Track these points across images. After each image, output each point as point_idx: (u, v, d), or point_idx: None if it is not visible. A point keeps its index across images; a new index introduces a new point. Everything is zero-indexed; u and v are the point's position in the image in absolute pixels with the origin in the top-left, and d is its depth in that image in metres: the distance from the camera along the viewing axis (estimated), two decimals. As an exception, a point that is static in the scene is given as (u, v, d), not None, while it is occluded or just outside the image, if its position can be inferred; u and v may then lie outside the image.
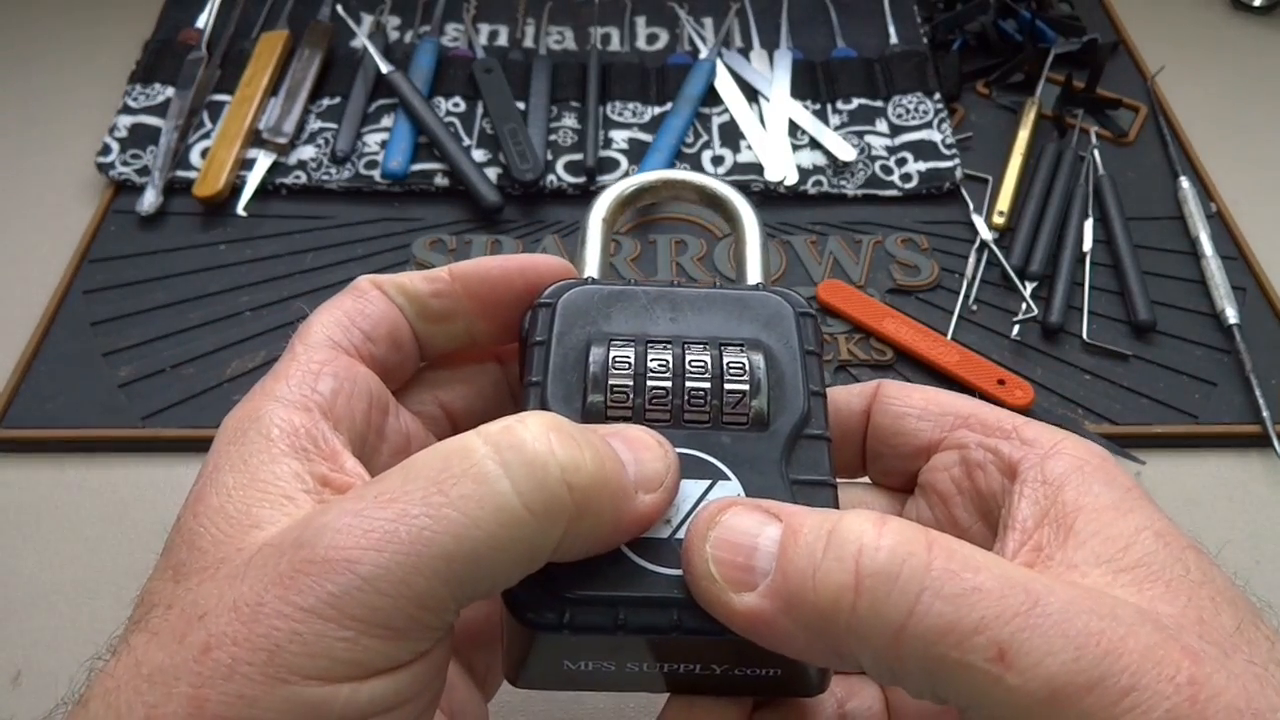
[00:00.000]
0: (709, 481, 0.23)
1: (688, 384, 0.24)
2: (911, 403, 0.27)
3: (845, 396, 0.28)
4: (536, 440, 0.20)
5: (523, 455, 0.19)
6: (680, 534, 0.22)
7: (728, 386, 0.24)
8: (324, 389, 0.24)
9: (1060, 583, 0.19)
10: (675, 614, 0.21)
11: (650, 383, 0.24)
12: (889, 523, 0.20)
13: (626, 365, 0.24)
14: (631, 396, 0.24)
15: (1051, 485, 0.23)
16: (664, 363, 0.24)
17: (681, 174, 0.33)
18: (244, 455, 0.22)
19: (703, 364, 0.24)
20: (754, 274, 0.30)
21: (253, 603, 0.18)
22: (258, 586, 0.19)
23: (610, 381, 0.24)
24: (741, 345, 0.25)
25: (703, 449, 0.23)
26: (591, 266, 0.30)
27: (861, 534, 0.19)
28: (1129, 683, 0.18)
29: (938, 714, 0.26)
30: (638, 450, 0.22)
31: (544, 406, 0.24)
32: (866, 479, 0.29)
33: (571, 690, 0.24)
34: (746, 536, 0.20)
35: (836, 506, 0.23)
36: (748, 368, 0.24)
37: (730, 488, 0.23)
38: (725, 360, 0.24)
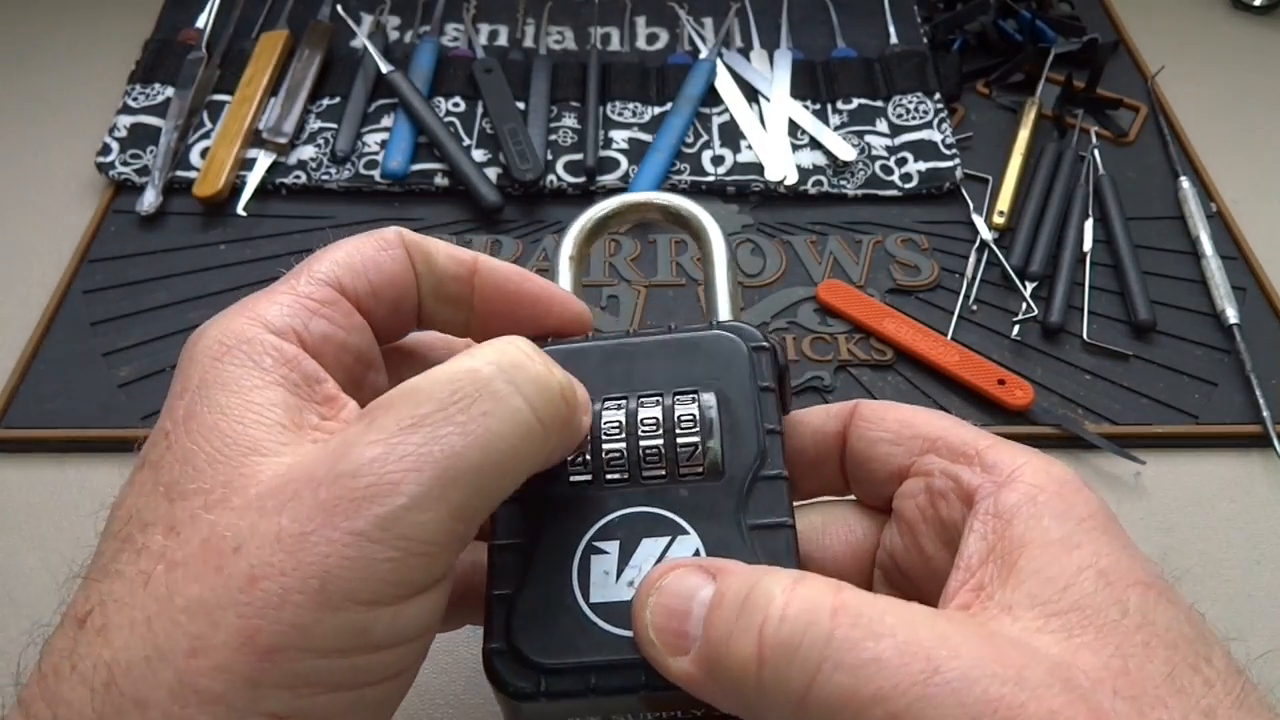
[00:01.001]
0: (668, 538, 0.24)
1: (641, 443, 0.25)
2: (885, 427, 0.27)
3: (822, 418, 0.28)
4: (534, 362, 0.22)
5: (528, 374, 0.22)
6: None
7: (679, 441, 0.25)
8: (316, 329, 0.24)
9: (973, 639, 0.19)
10: (642, 675, 0.22)
11: (605, 445, 0.25)
12: (799, 586, 0.20)
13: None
14: (589, 461, 0.25)
15: (1002, 519, 0.22)
16: (617, 424, 0.25)
17: (644, 196, 0.33)
18: (235, 376, 0.22)
19: (654, 420, 0.25)
20: (722, 295, 0.30)
21: (297, 533, 0.19)
22: (300, 517, 0.19)
23: None
24: (694, 393, 0.26)
25: (662, 506, 0.24)
26: None
27: (769, 601, 0.20)
28: None
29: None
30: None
31: None
32: (853, 497, 0.29)
33: None
34: (683, 601, 0.21)
35: (793, 546, 0.24)
36: (698, 418, 0.25)
37: (689, 542, 0.24)
38: (677, 413, 0.25)
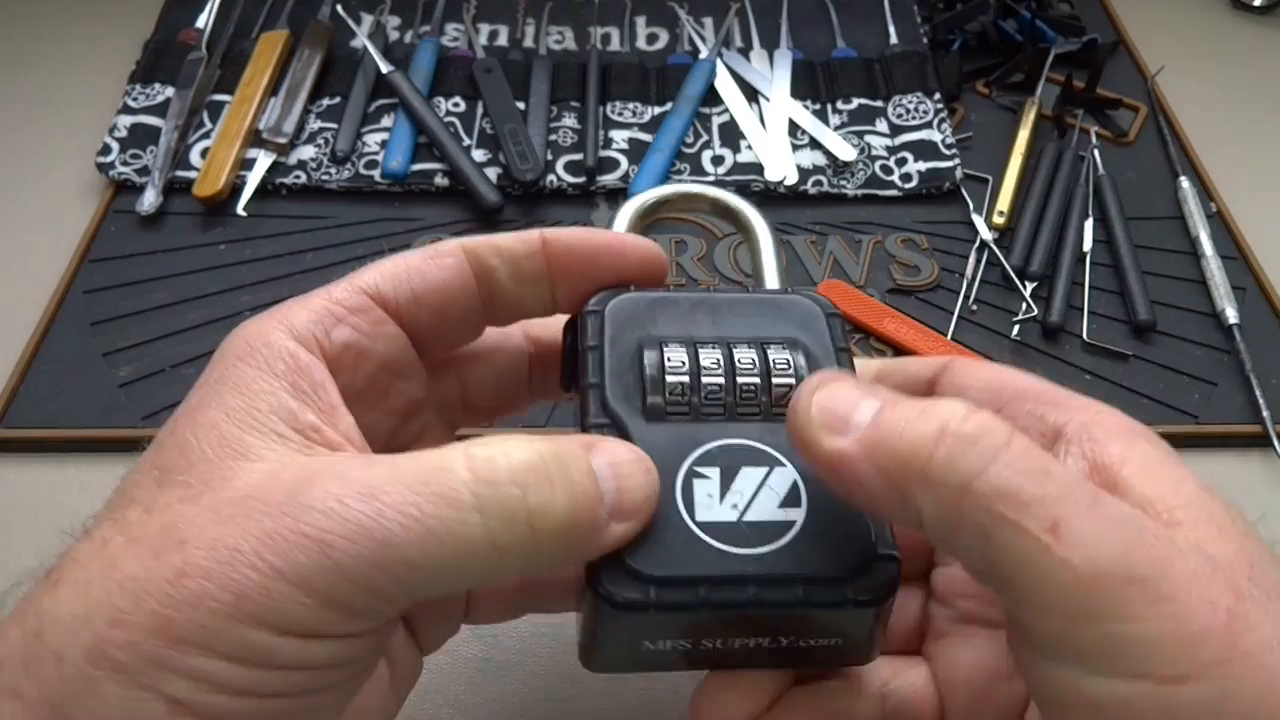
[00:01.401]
0: (766, 468, 0.25)
1: (738, 380, 0.26)
2: (977, 378, 0.27)
3: (917, 366, 0.29)
4: (513, 480, 0.21)
5: (496, 493, 0.21)
6: (747, 517, 0.24)
7: (775, 380, 0.26)
8: (338, 337, 0.25)
9: (1129, 507, 0.20)
10: (752, 590, 0.23)
11: (704, 379, 0.26)
12: (981, 410, 0.21)
13: (681, 365, 0.26)
14: (688, 394, 0.25)
15: (1098, 442, 0.23)
16: (715, 361, 0.26)
17: (698, 187, 0.34)
18: (248, 379, 0.23)
19: (750, 360, 0.26)
20: (771, 280, 0.31)
21: (231, 547, 0.20)
22: (239, 533, 0.20)
23: (667, 380, 0.25)
24: (783, 343, 0.27)
25: (758, 439, 0.25)
26: None
27: (954, 410, 0.21)
28: (1169, 591, 0.19)
29: (987, 680, 0.26)
30: (624, 479, 0.23)
31: (604, 406, 0.25)
32: None
33: (642, 672, 0.26)
34: (848, 402, 0.22)
35: None
36: (791, 363, 0.26)
37: (786, 474, 0.24)
38: (770, 357, 0.26)
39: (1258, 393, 0.47)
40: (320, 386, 0.24)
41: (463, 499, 0.21)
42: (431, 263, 0.26)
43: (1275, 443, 0.46)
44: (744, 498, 0.24)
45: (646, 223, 0.33)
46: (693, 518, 0.24)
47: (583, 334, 0.27)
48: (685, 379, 0.26)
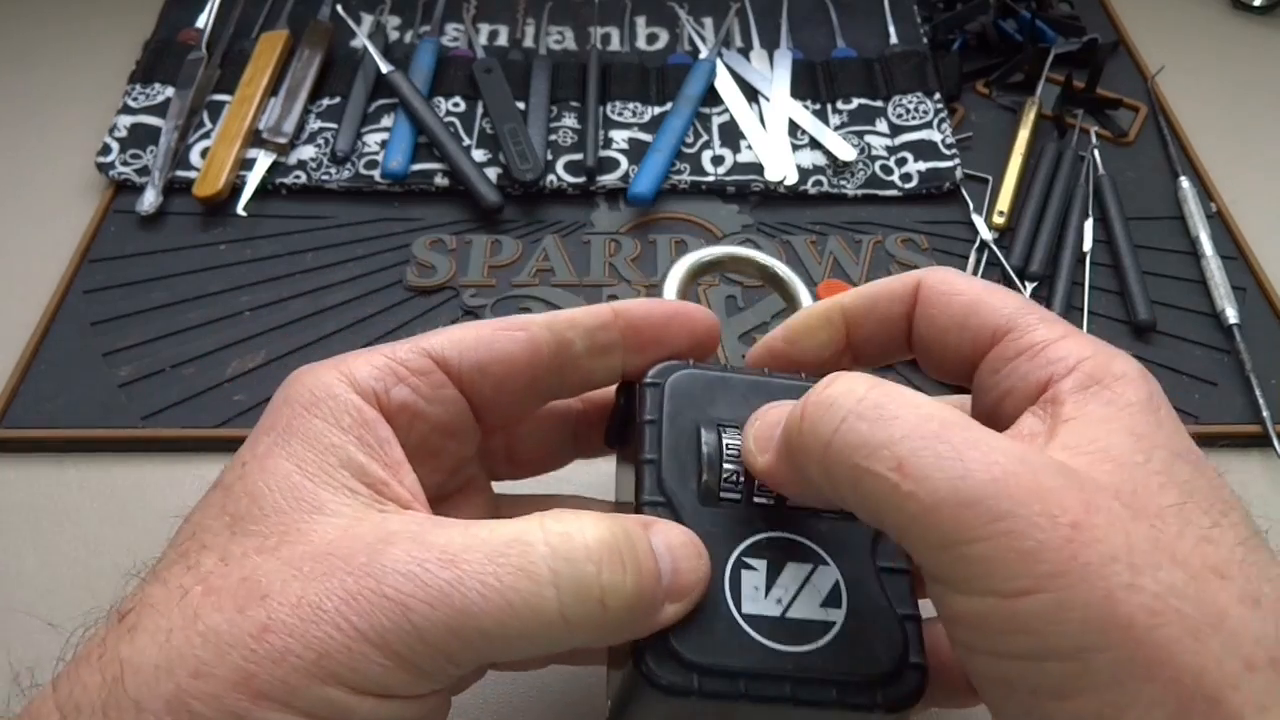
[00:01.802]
0: (811, 566, 0.25)
1: None
2: (951, 314, 0.27)
3: (887, 303, 0.28)
4: (589, 558, 0.22)
5: (573, 570, 0.22)
6: (790, 614, 0.24)
7: None
8: (397, 396, 0.25)
9: (994, 434, 0.21)
10: (789, 688, 0.24)
11: None
12: (848, 373, 0.23)
13: (737, 452, 0.26)
14: (741, 482, 0.26)
15: (1054, 402, 0.23)
16: None
17: (748, 251, 0.35)
18: (316, 431, 0.24)
19: None
20: None
21: (314, 604, 0.20)
22: (322, 593, 0.21)
23: (724, 466, 0.26)
24: None
25: (805, 535, 0.26)
26: None
27: (819, 384, 0.23)
28: (1006, 508, 0.19)
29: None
30: (679, 560, 0.24)
31: (660, 484, 0.26)
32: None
33: None
34: (770, 423, 0.25)
35: (913, 592, 0.26)
36: None
37: (829, 574, 0.25)
38: None
39: (1258, 393, 0.47)
40: (386, 442, 0.24)
41: (540, 573, 0.21)
42: (502, 334, 0.27)
43: (1275, 443, 0.46)
44: (788, 593, 0.25)
45: (695, 282, 0.34)
46: (739, 609, 0.24)
47: (642, 406, 0.27)
48: (741, 467, 0.26)
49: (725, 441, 0.27)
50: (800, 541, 0.26)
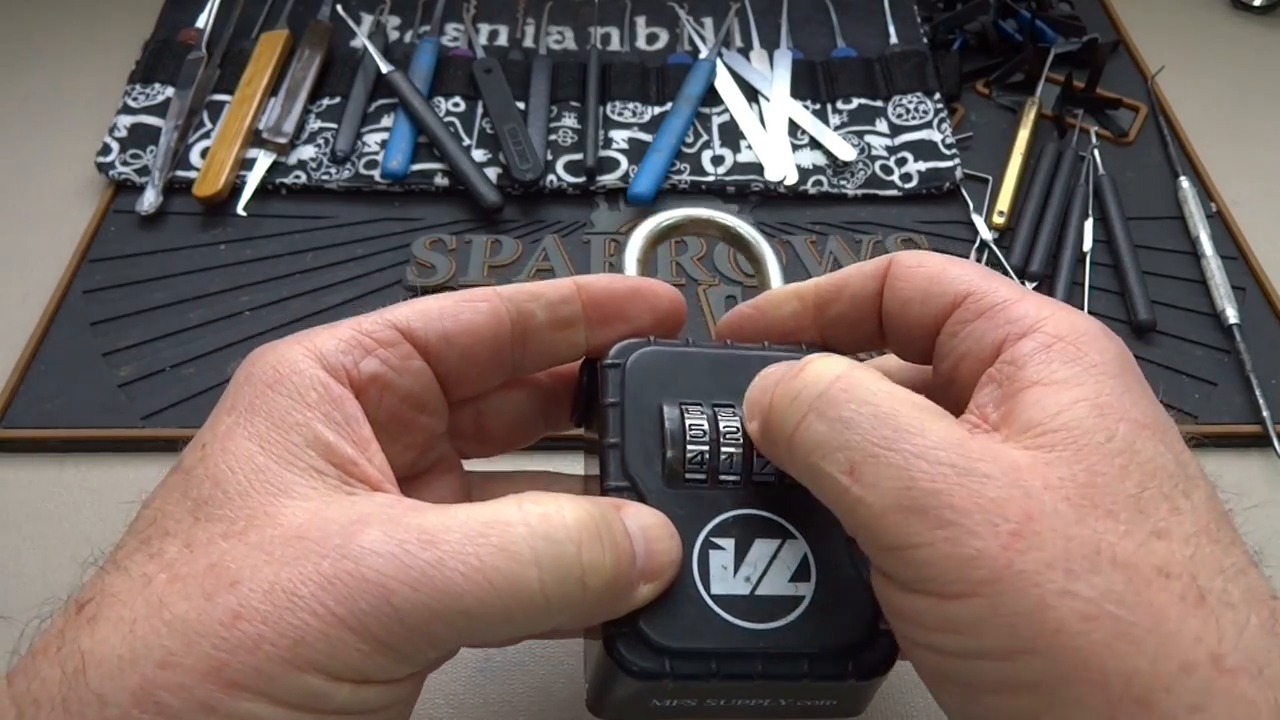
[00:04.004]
0: (779, 540, 0.25)
1: (755, 450, 0.26)
2: (915, 285, 0.27)
3: (860, 281, 0.28)
4: (569, 538, 0.22)
5: (554, 549, 0.22)
6: (759, 591, 0.25)
7: None
8: (366, 368, 0.25)
9: (948, 432, 0.21)
10: (760, 665, 0.24)
11: (723, 449, 0.26)
12: (822, 357, 0.24)
13: (701, 431, 0.26)
14: (707, 460, 0.26)
15: (1015, 365, 0.23)
16: (735, 428, 0.26)
17: (707, 212, 0.34)
18: (281, 408, 0.23)
19: None
20: None
21: (289, 591, 0.20)
22: (296, 578, 0.20)
23: (688, 446, 0.26)
24: None
25: (772, 510, 0.26)
26: None
27: (789, 366, 0.24)
28: (949, 518, 0.20)
29: None
30: (652, 542, 0.24)
31: (624, 467, 0.26)
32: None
33: None
34: (762, 388, 0.25)
35: None
36: None
37: (798, 547, 0.25)
38: None
39: (1258, 393, 0.47)
40: (353, 419, 0.24)
41: (522, 552, 0.21)
42: (465, 305, 0.27)
43: (1275, 443, 0.46)
44: (757, 570, 0.25)
45: (658, 246, 0.34)
46: (708, 589, 0.24)
47: (603, 388, 0.27)
48: (705, 448, 0.26)
49: (688, 421, 0.26)
50: (768, 517, 0.26)
